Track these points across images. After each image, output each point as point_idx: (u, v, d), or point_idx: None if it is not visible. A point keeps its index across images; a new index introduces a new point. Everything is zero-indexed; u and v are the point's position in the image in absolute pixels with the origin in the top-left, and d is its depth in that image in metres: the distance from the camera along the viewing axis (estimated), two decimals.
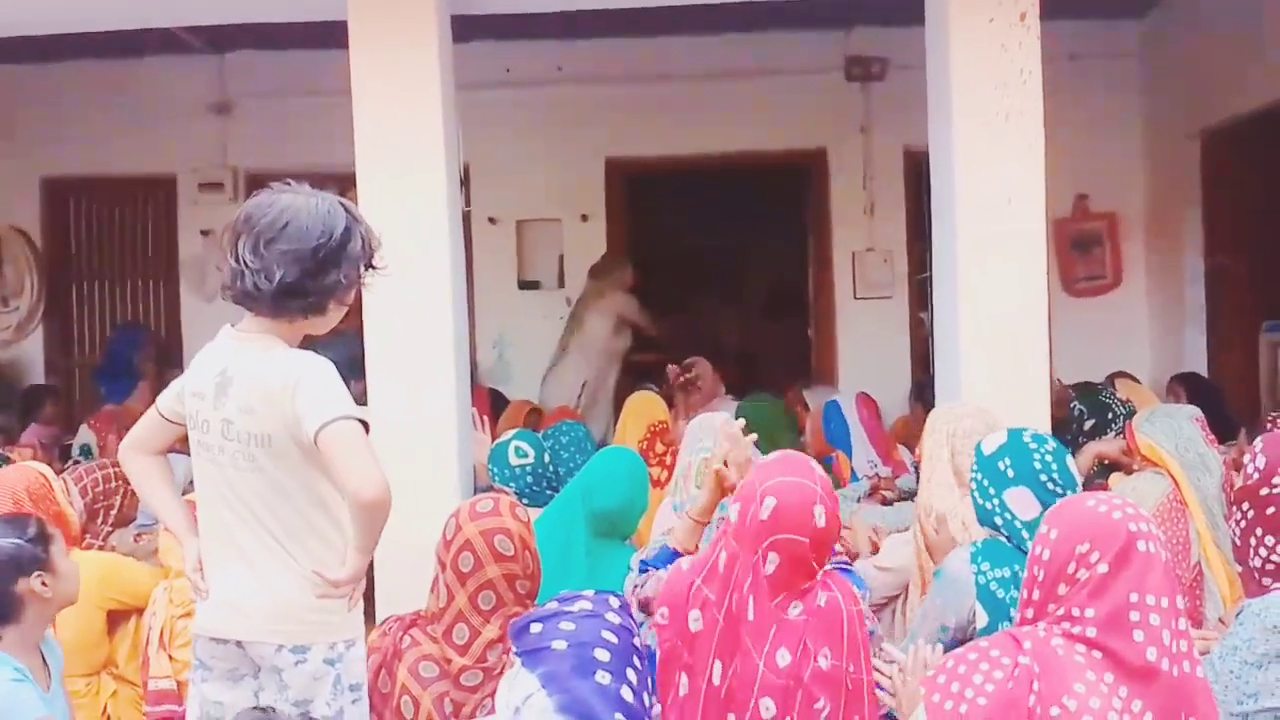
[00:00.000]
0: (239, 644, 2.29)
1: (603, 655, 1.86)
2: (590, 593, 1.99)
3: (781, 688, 2.03)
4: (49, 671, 2.54)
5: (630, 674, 1.88)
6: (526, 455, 3.47)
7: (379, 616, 2.82)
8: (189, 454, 2.43)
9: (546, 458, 3.52)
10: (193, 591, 2.36)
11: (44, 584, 2.46)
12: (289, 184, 2.27)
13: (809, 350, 6.88)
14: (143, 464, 2.42)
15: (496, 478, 3.49)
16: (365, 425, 2.16)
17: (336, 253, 2.22)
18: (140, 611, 3.05)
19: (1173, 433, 3.06)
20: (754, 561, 2.05)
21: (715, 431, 2.95)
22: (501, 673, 2.32)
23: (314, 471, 2.24)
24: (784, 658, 2.03)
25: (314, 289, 2.22)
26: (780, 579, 2.06)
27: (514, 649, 1.92)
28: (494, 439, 3.79)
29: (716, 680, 2.06)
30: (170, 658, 2.84)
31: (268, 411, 2.20)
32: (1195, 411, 3.18)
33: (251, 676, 2.31)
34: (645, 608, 2.44)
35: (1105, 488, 3.28)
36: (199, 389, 2.30)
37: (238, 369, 2.24)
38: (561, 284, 6.60)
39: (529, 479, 3.44)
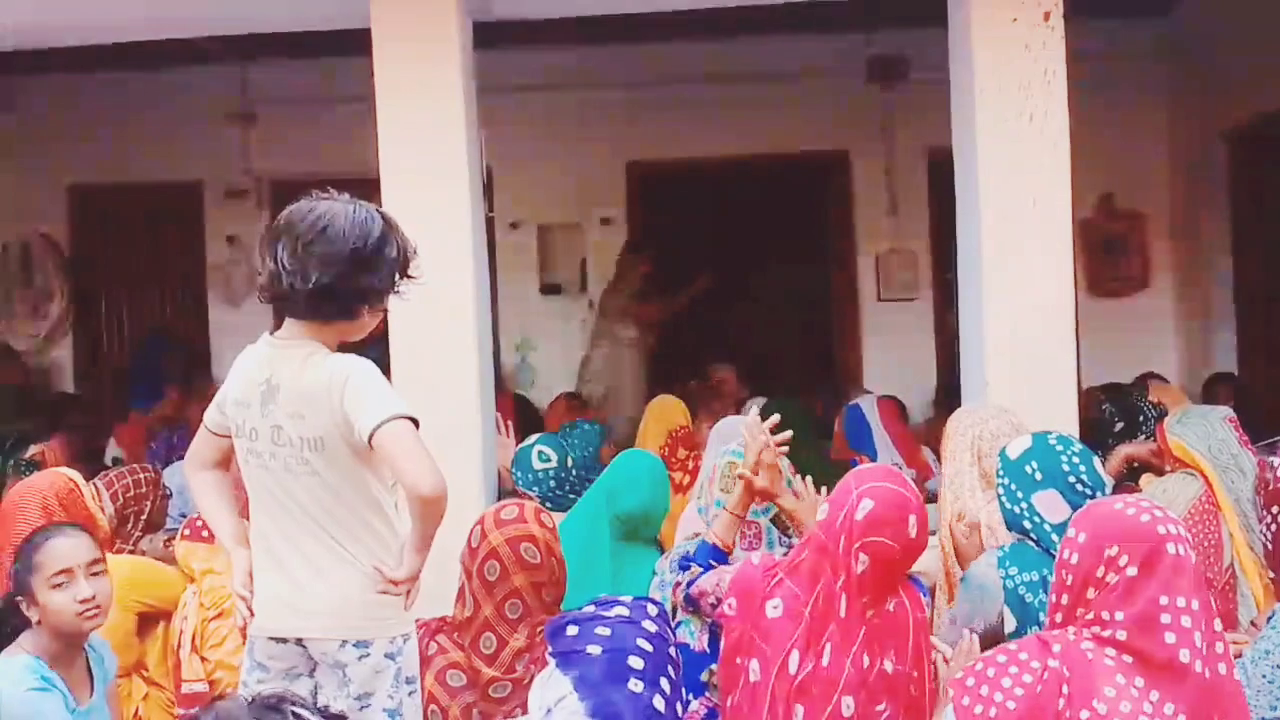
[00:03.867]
0: (299, 642, 2.33)
1: (636, 663, 1.86)
2: (629, 599, 1.99)
3: (861, 687, 2.05)
4: (92, 681, 2.54)
5: (664, 683, 1.88)
6: (549, 459, 3.47)
7: None
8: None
9: (569, 461, 3.53)
10: (239, 607, 2.38)
11: None
12: (329, 191, 2.32)
13: (832, 353, 6.86)
14: (199, 478, 2.47)
15: (520, 482, 3.50)
16: (415, 423, 2.20)
17: (371, 258, 2.26)
18: (170, 616, 3.07)
19: (1205, 434, 3.02)
20: (846, 561, 2.07)
21: (740, 435, 2.94)
22: (530, 684, 2.33)
23: (367, 472, 2.29)
24: (865, 659, 2.06)
25: (348, 292, 2.26)
26: (868, 581, 2.08)
27: (550, 649, 1.92)
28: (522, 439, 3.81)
29: (792, 670, 2.07)
30: (203, 659, 2.85)
31: (316, 416, 2.24)
32: (1228, 412, 3.14)
33: (307, 675, 2.35)
34: (695, 603, 2.44)
35: (1136, 490, 3.24)
36: (243, 398, 2.33)
37: (282, 376, 2.28)
38: (584, 288, 6.62)
39: (552, 483, 3.45)
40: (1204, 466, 2.97)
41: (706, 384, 5.38)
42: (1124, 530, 1.79)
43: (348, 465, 2.26)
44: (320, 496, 2.27)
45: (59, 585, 2.47)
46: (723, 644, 2.18)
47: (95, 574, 2.53)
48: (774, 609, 2.12)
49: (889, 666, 2.06)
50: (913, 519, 2.12)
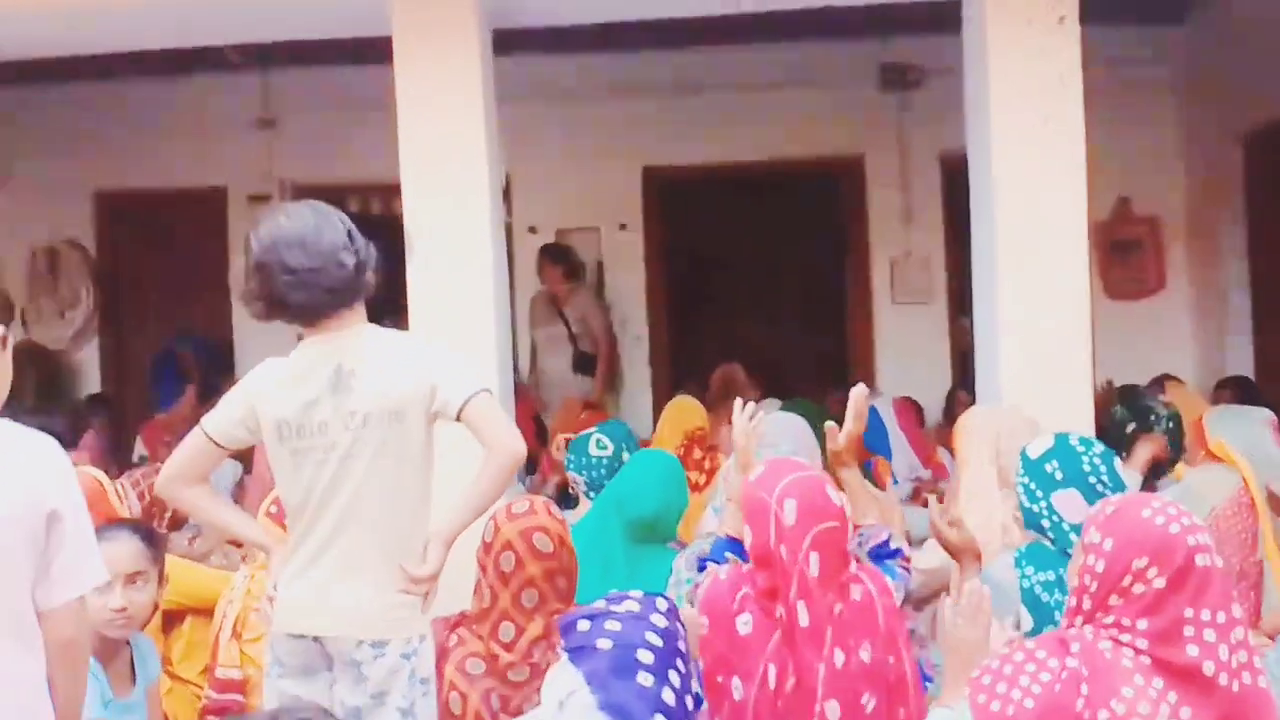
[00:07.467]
0: (316, 639, 2.37)
1: (645, 657, 1.89)
2: (638, 593, 2.02)
3: (841, 687, 2.05)
4: (134, 678, 2.58)
5: (673, 676, 1.91)
6: (606, 448, 3.54)
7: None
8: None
9: (625, 455, 3.56)
10: (265, 608, 2.44)
11: None
12: (272, 211, 2.46)
13: (846, 355, 6.87)
14: (192, 493, 2.47)
15: (572, 465, 3.59)
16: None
17: (357, 232, 2.43)
18: (195, 612, 3.11)
19: (1243, 433, 3.06)
20: (799, 568, 2.06)
21: (771, 439, 2.96)
22: (546, 670, 2.36)
23: (430, 455, 2.41)
24: (839, 657, 2.05)
25: (368, 264, 2.43)
26: (825, 576, 2.08)
27: (562, 644, 1.96)
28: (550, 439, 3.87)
29: (771, 684, 2.07)
30: (241, 650, 2.88)
31: (400, 384, 2.34)
32: (1268, 414, 3.18)
33: (326, 670, 2.39)
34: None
35: (1153, 488, 3.27)
36: (310, 397, 2.35)
37: (356, 360, 2.36)
38: (600, 293, 6.65)
39: (603, 470, 3.50)
40: (1241, 464, 3.00)
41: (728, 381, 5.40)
42: (1155, 542, 1.76)
43: (419, 441, 2.36)
44: (383, 482, 2.33)
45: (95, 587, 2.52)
46: (702, 664, 2.15)
47: (135, 585, 2.55)
48: (744, 625, 2.10)
49: (865, 657, 2.06)
50: (829, 488, 2.13)
